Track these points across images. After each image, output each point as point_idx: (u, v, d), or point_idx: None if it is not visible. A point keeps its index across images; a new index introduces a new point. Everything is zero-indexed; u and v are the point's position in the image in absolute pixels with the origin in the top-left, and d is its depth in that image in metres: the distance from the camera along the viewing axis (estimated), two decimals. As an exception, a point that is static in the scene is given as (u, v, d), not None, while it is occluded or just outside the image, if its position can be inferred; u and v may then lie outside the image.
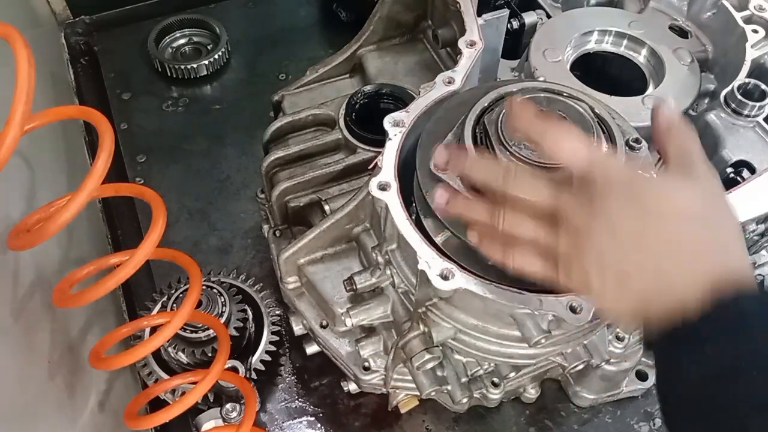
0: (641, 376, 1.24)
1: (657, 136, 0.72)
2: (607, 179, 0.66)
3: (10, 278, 0.87)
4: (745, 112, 1.02)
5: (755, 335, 0.60)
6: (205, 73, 1.77)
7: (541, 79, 1.11)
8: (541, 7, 1.30)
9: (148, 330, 1.19)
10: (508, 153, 0.83)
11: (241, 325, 1.20)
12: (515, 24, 1.25)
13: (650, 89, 1.16)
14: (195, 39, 1.87)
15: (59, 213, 0.75)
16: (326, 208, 1.14)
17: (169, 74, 1.76)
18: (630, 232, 0.65)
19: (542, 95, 0.89)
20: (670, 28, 1.21)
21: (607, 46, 1.21)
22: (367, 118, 1.18)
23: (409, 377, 1.06)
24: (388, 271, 1.01)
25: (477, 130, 0.87)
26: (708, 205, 0.67)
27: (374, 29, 1.30)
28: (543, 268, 0.72)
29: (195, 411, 1.18)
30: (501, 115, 0.85)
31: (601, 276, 0.66)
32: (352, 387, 1.19)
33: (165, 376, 1.19)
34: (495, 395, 1.10)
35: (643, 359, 1.21)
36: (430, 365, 1.00)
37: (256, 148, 1.34)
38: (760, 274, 1.07)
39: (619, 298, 0.67)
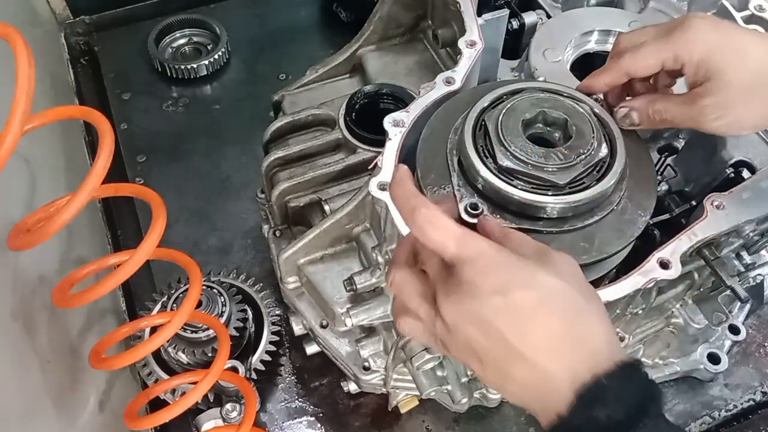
0: (641, 376, 1.24)
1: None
2: (474, 279, 0.64)
3: (10, 278, 0.87)
4: (745, 112, 1.02)
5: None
6: (205, 73, 1.77)
7: (541, 79, 1.11)
8: (541, 7, 1.30)
9: (148, 330, 1.19)
10: (508, 153, 0.83)
11: (241, 325, 1.20)
12: (515, 24, 1.25)
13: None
14: (195, 39, 1.87)
15: (59, 213, 0.75)
16: (326, 208, 1.14)
17: (169, 74, 1.76)
18: (499, 334, 0.64)
19: (542, 95, 0.89)
20: (670, 28, 1.21)
21: (608, 46, 1.21)
22: (367, 118, 1.18)
23: (409, 377, 1.07)
24: (388, 271, 1.01)
25: (477, 131, 0.87)
26: (571, 290, 0.66)
27: (374, 29, 1.30)
28: (425, 339, 0.72)
29: (195, 411, 1.18)
30: (501, 116, 0.86)
31: (481, 368, 0.67)
32: (352, 387, 1.20)
33: (165, 376, 1.19)
34: (495, 395, 1.11)
35: (643, 359, 1.22)
36: (430, 365, 1.01)
37: (256, 148, 1.34)
38: (759, 274, 1.07)
39: (503, 390, 0.68)
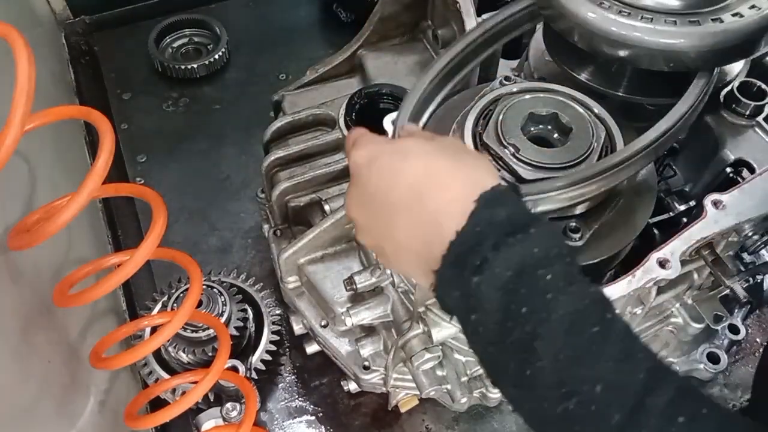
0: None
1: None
2: (354, 161, 0.71)
3: (10, 278, 0.87)
4: (745, 112, 1.02)
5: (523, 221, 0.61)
6: (205, 73, 1.77)
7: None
8: (541, 7, 1.30)
9: (148, 330, 1.19)
10: (506, 152, 0.83)
11: (242, 324, 1.20)
12: (515, 24, 1.25)
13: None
14: (195, 39, 1.87)
15: (59, 213, 0.75)
16: (326, 207, 1.15)
17: (169, 74, 1.76)
18: (373, 199, 0.68)
19: (546, 96, 0.89)
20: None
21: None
22: (367, 118, 1.18)
23: (409, 376, 1.06)
24: (388, 271, 1.01)
25: (477, 130, 0.87)
26: (437, 146, 0.69)
27: (374, 29, 1.30)
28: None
29: (195, 410, 1.18)
30: (500, 115, 0.86)
31: (376, 244, 0.71)
32: (352, 386, 1.20)
33: (165, 375, 1.19)
34: (495, 395, 1.11)
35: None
36: (429, 365, 1.01)
37: (256, 148, 1.34)
38: (759, 274, 1.07)
39: (403, 262, 0.70)
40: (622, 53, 0.85)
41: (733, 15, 0.83)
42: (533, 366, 0.57)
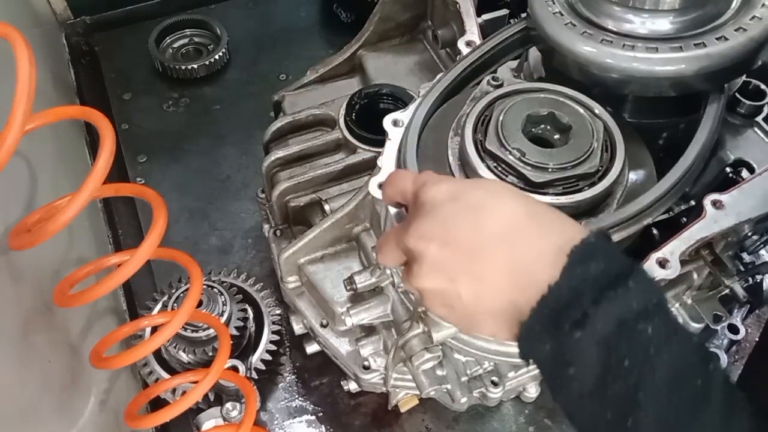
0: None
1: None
2: (429, 195, 0.68)
3: (10, 278, 0.87)
4: (744, 112, 1.02)
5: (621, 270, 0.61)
6: (205, 73, 1.77)
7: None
8: (540, 7, 1.30)
9: (148, 329, 1.19)
10: (507, 153, 0.83)
11: (242, 324, 1.20)
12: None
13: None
14: (195, 39, 1.87)
15: (60, 213, 0.75)
16: (326, 207, 1.15)
17: (169, 74, 1.77)
18: (460, 234, 0.65)
19: (542, 96, 0.89)
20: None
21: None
22: (367, 118, 1.18)
23: (409, 376, 1.07)
24: (388, 271, 1.02)
25: (477, 137, 0.87)
26: (515, 189, 0.70)
27: (374, 29, 1.30)
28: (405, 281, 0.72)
29: (195, 410, 1.18)
30: (500, 119, 0.86)
31: (451, 285, 0.65)
32: (352, 386, 1.20)
33: (165, 375, 1.19)
34: (495, 394, 1.11)
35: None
36: (429, 364, 1.01)
37: (256, 148, 1.34)
38: (758, 274, 1.07)
39: (480, 296, 0.65)
40: (604, 81, 0.86)
41: (718, 39, 0.83)
42: (635, 416, 0.57)
